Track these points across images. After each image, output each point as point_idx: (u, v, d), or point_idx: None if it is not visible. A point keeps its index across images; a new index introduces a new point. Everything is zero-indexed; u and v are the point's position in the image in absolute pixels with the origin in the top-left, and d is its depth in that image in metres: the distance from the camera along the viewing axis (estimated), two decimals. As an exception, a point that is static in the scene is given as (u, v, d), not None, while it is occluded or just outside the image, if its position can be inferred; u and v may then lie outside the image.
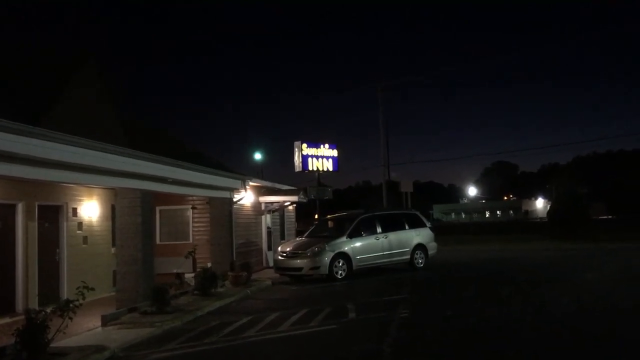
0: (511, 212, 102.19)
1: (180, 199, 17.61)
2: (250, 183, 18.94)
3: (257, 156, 41.70)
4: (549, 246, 28.24)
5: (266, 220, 21.98)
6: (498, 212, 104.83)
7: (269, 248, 21.89)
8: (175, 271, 15.64)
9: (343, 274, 16.81)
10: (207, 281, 13.61)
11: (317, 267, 16.65)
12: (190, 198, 17.65)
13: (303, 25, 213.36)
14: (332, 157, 30.40)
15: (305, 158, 29.28)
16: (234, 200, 17.67)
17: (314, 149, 29.70)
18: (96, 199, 14.57)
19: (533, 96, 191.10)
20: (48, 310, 7.78)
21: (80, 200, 13.93)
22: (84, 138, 9.73)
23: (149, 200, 12.66)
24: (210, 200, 17.13)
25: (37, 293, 11.64)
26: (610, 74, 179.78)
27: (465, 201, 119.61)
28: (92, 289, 8.46)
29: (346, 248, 17.19)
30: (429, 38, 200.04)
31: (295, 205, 25.24)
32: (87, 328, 10.14)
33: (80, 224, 13.93)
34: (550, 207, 42.13)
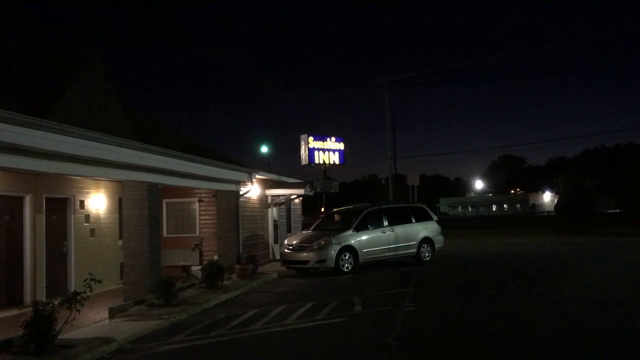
0: (518, 205, 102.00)
1: (187, 192, 17.62)
2: (257, 176, 18.92)
3: (264, 149, 41.75)
4: (555, 240, 28.12)
5: (272, 213, 21.98)
6: (505, 206, 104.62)
7: (275, 241, 21.90)
8: (182, 264, 15.68)
9: (349, 268, 16.81)
10: (213, 274, 13.64)
11: (324, 261, 16.65)
12: (197, 191, 17.66)
13: (311, 19, 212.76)
14: (339, 150, 30.31)
15: (311, 151, 29.20)
16: (241, 193, 17.67)
17: (321, 142, 29.60)
18: (103, 191, 14.61)
19: (540, 90, 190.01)
20: (56, 303, 7.83)
21: (87, 193, 13.97)
22: (91, 131, 9.75)
23: (156, 193, 12.68)
24: (216, 193, 17.15)
25: (44, 285, 11.71)
26: (619, 67, 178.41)
27: (472, 195, 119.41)
28: (100, 282, 8.51)
29: (352, 241, 17.16)
30: (437, 32, 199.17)
31: (301, 198, 25.21)
32: (94, 320, 10.19)
33: (87, 217, 13.97)
34: (557, 200, 41.96)
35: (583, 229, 32.33)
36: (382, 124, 35.53)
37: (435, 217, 20.42)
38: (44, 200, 12.37)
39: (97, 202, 14.38)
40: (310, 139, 29.34)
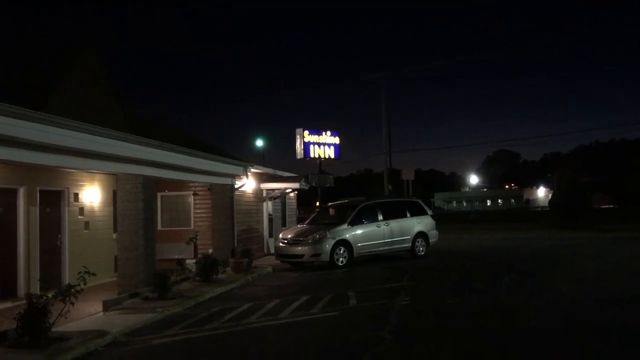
0: (512, 200, 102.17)
1: (182, 185, 17.58)
2: (252, 170, 18.90)
3: (259, 143, 41.71)
4: (549, 235, 28.21)
5: (267, 207, 21.96)
6: (499, 201, 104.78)
7: (270, 235, 21.90)
8: (176, 257, 15.66)
9: (344, 262, 16.82)
10: (208, 267, 13.64)
11: (318, 255, 16.66)
12: (192, 184, 17.63)
13: (307, 13, 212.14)
14: (334, 145, 30.23)
15: (306, 145, 29.10)
16: (236, 186, 17.64)
17: (316, 136, 29.50)
18: (98, 184, 14.55)
19: (535, 85, 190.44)
20: (49, 295, 7.80)
21: (81, 186, 13.92)
22: (86, 123, 9.71)
23: (151, 186, 12.64)
24: (211, 187, 17.11)
25: (38, 278, 11.67)
26: (613, 64, 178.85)
27: (467, 189, 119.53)
28: (94, 274, 8.48)
29: (347, 235, 17.17)
30: (433, 27, 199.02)
31: (296, 192, 25.21)
32: (88, 313, 10.17)
33: (81, 209, 13.92)
34: (551, 196, 42.08)
35: (577, 225, 32.46)
36: (377, 119, 35.52)
37: (429, 212, 20.47)
38: (38, 193, 12.31)
39: (92, 194, 14.32)
40: (306, 132, 29.25)
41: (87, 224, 14.09)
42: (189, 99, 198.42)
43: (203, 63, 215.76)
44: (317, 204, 32.00)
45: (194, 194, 17.98)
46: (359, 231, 17.57)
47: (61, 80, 11.34)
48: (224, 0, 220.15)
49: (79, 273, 8.24)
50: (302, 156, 29.15)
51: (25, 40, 13.85)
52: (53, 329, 7.74)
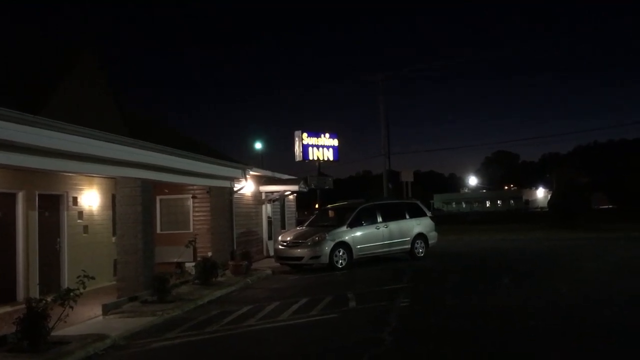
0: (512, 201, 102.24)
1: (181, 189, 17.59)
2: (251, 172, 18.90)
3: (258, 145, 41.63)
4: (549, 236, 28.21)
5: (267, 209, 21.97)
6: (499, 202, 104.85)
7: (270, 237, 21.90)
8: (175, 260, 15.67)
9: (343, 264, 16.81)
10: (207, 270, 13.64)
11: (318, 257, 16.65)
12: (191, 187, 17.63)
13: (307, 13, 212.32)
14: (333, 147, 30.29)
15: (305, 147, 29.15)
16: (235, 189, 17.65)
17: (315, 139, 29.55)
18: (96, 188, 14.56)
19: (535, 85, 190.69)
20: (49, 299, 7.79)
21: (80, 190, 13.92)
22: (85, 127, 9.71)
23: (150, 190, 12.65)
24: (210, 190, 17.12)
25: (37, 282, 11.67)
26: (611, 64, 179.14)
27: (466, 191, 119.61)
28: (93, 278, 8.48)
29: (347, 237, 17.17)
30: (431, 27, 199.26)
31: (295, 194, 25.22)
32: (88, 317, 10.17)
33: (80, 213, 13.92)
34: (550, 196, 42.13)
35: (576, 225, 32.48)
36: (377, 120, 35.53)
37: (429, 213, 20.49)
38: (37, 197, 12.32)
39: (91, 198, 14.33)
40: (304, 135, 29.30)
41: (86, 227, 14.09)
42: (189, 99, 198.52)
43: (203, 63, 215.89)
44: (316, 206, 31.99)
45: (193, 197, 17.99)
46: (358, 233, 17.57)
47: (61, 80, 11.30)
48: (224, 0, 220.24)
49: (78, 277, 8.24)
50: (301, 158, 29.18)
51: (25, 40, 13.82)
52: (52, 333, 7.74)
